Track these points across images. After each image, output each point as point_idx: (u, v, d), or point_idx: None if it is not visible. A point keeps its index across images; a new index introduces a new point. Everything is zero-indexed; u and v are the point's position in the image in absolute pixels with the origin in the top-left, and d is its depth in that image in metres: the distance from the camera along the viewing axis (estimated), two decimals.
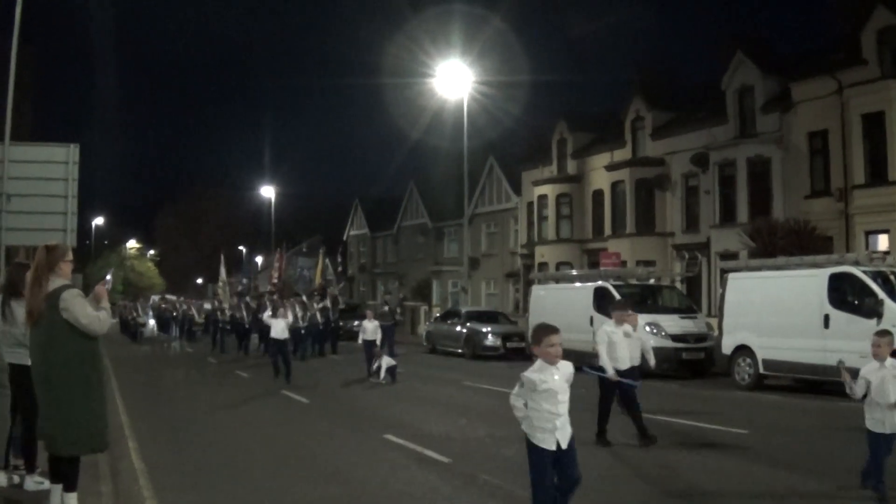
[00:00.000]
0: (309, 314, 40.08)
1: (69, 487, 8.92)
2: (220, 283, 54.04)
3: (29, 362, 9.18)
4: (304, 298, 44.11)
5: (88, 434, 8.87)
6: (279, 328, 27.71)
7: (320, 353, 39.84)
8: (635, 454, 14.33)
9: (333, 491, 11.43)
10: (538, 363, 8.14)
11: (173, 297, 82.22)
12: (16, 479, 10.21)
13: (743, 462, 13.29)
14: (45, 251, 8.89)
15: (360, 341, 30.12)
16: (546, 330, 8.28)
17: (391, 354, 29.03)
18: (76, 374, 8.81)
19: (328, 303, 42.69)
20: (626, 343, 16.10)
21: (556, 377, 8.17)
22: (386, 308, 39.88)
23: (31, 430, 9.67)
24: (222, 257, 59.90)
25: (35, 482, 9.94)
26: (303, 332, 38.71)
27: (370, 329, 29.63)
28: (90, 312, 8.85)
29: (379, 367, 27.25)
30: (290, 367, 26.86)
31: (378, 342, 28.97)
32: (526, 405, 8.39)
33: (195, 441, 15.68)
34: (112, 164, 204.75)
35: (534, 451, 8.30)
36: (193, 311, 57.97)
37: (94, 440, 8.96)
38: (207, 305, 62.72)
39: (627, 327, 16.26)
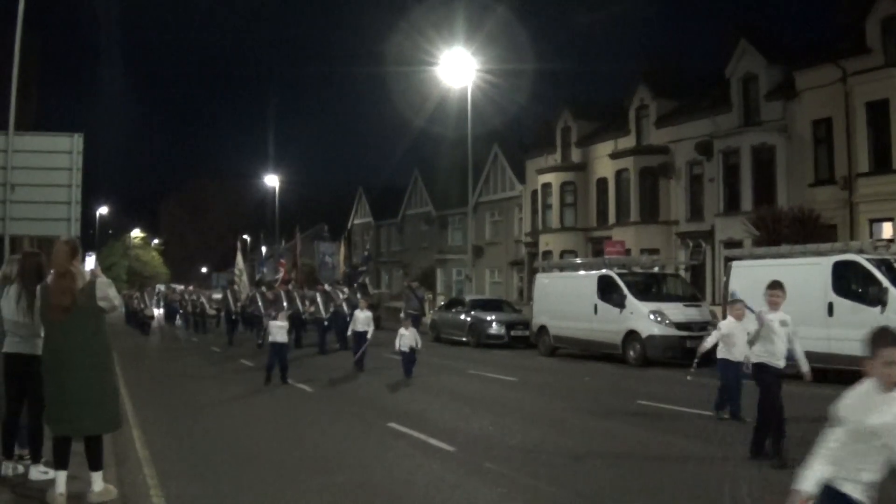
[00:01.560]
0: (333, 304, 36.51)
1: (96, 466, 9.39)
2: (237, 272, 50.34)
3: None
4: (328, 287, 40.03)
5: (114, 413, 9.58)
6: (278, 330, 23.73)
7: (345, 347, 33.70)
8: (638, 442, 14.34)
9: (338, 479, 11.45)
10: (866, 385, 5.62)
11: (180, 287, 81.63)
12: (20, 468, 10.26)
13: (746, 450, 13.29)
14: (66, 245, 9.26)
15: (349, 332, 27.97)
16: (889, 337, 5.57)
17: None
18: (106, 359, 9.52)
19: (356, 292, 38.32)
20: (783, 333, 13.56)
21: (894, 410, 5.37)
22: (413, 296, 38.94)
23: (38, 420, 9.83)
24: (239, 244, 57.60)
25: (40, 472, 9.99)
26: (326, 323, 36.07)
27: (361, 319, 27.12)
28: (111, 288, 9.50)
29: (361, 358, 26.59)
30: (286, 370, 23.50)
31: (370, 335, 26.78)
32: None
33: (200, 430, 15.70)
34: (117, 154, 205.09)
35: (833, 498, 5.63)
36: (204, 301, 55.48)
37: (117, 419, 9.69)
38: (217, 295, 61.20)
39: (783, 315, 13.62)
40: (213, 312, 54.18)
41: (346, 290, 38.97)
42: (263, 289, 42.58)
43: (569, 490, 10.85)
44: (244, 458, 12.96)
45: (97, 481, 9.27)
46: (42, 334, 9.65)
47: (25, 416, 10.07)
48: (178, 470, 11.96)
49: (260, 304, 39.56)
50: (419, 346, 25.27)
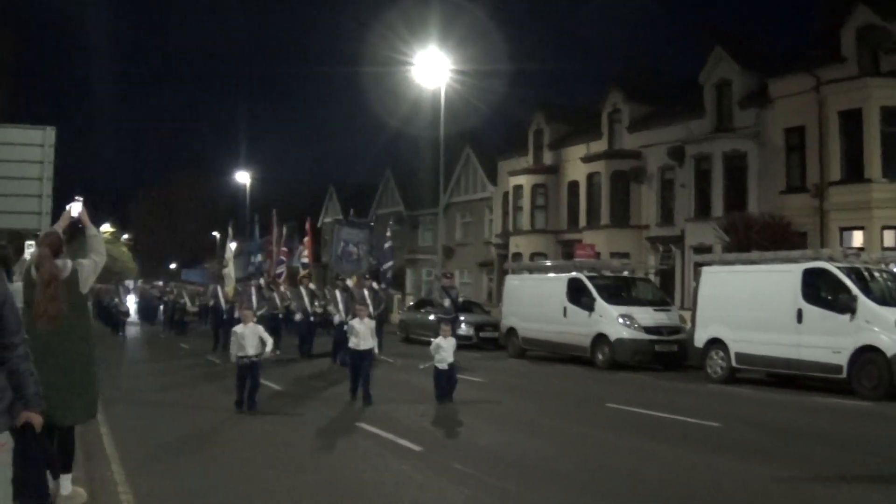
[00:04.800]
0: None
1: (67, 468, 9.23)
2: (226, 260, 42.40)
3: None
4: (349, 283, 32.28)
5: (94, 401, 9.47)
6: (250, 340, 17.93)
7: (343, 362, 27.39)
8: (607, 445, 14.34)
9: (306, 478, 11.43)
10: None
11: (159, 283, 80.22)
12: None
13: (714, 455, 13.32)
14: (48, 248, 9.06)
15: (350, 346, 20.03)
16: None
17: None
18: (89, 345, 9.42)
19: (379, 289, 32.40)
20: None
21: None
22: (447, 296, 31.08)
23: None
24: (230, 231, 50.09)
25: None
26: (346, 327, 25.35)
27: (362, 331, 19.59)
28: (99, 256, 9.65)
29: (360, 389, 19.42)
30: (256, 390, 18.19)
31: (378, 348, 20.74)
32: None
33: (167, 428, 15.62)
34: (88, 148, 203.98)
35: None
36: (186, 299, 51.81)
37: (95, 406, 9.55)
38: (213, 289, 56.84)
39: None
40: (194, 310, 51.74)
41: (374, 285, 32.21)
42: (261, 282, 36.22)
43: (537, 492, 10.85)
44: (213, 456, 12.92)
45: (65, 485, 9.08)
46: None
47: None
48: (147, 467, 11.90)
49: (254, 301, 31.08)
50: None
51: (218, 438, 14.58)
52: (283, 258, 45.79)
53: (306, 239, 47.07)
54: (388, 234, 40.55)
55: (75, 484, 9.44)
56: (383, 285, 35.79)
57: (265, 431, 15.40)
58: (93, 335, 9.60)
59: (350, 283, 32.20)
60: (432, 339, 18.70)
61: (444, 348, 19.32)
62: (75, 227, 9.87)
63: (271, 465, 12.31)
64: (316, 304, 34.48)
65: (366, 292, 28.67)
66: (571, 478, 11.68)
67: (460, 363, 21.02)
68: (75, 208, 10.12)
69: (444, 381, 19.36)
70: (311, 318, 33.61)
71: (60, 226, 9.89)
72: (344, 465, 12.36)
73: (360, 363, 19.45)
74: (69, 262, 9.14)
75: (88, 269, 9.27)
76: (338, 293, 30.11)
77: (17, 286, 9.50)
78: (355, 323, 19.89)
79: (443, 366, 19.29)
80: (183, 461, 12.53)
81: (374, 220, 59.82)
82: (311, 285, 37.31)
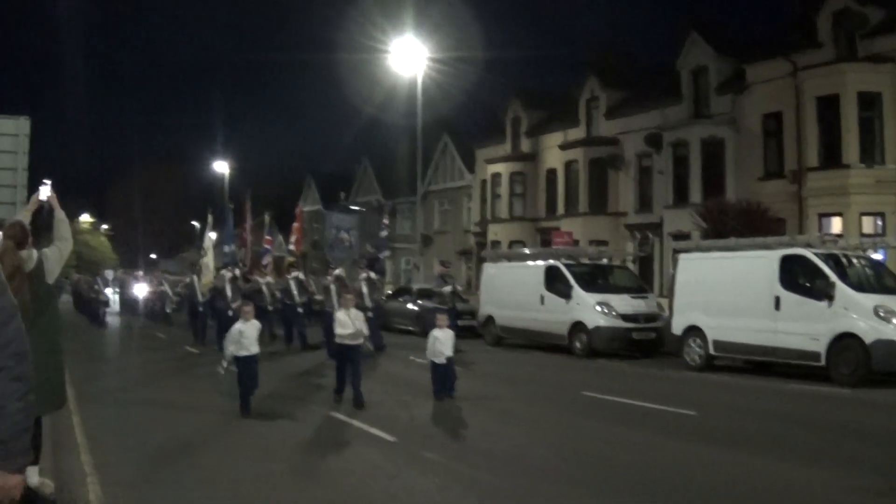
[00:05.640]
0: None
1: (35, 459, 8.92)
2: (203, 250, 39.54)
3: None
4: (341, 272, 29.75)
5: (62, 391, 9.29)
6: (250, 338, 16.04)
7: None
8: (582, 434, 14.25)
9: (276, 468, 11.32)
10: None
11: (139, 273, 79.51)
12: None
13: (691, 442, 13.24)
14: (10, 239, 8.72)
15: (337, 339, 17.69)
16: None
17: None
18: (57, 337, 9.21)
19: (377, 279, 30.41)
20: None
21: None
22: (446, 286, 30.10)
23: None
24: (209, 220, 45.74)
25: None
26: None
27: (347, 322, 17.18)
28: (64, 243, 9.44)
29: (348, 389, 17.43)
30: (252, 391, 16.18)
31: (372, 342, 19.72)
32: None
33: (139, 416, 15.57)
34: (64, 137, 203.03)
35: None
36: (166, 288, 50.08)
37: (63, 396, 9.39)
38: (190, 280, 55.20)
39: None
40: (175, 300, 49.01)
41: (372, 274, 30.17)
42: (235, 272, 32.87)
43: (507, 480, 10.78)
44: (182, 445, 12.85)
45: (33, 476, 8.94)
46: None
47: None
48: (116, 457, 11.89)
49: (229, 293, 29.38)
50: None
51: (187, 427, 14.44)
52: (267, 247, 44.65)
53: (295, 225, 45.92)
54: (386, 221, 38.31)
55: (43, 475, 9.31)
56: (379, 276, 33.18)
57: (235, 420, 15.28)
58: (61, 325, 9.46)
59: (340, 271, 30.12)
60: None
61: (441, 341, 17.81)
62: (42, 211, 9.69)
63: (240, 454, 12.27)
64: (306, 294, 32.60)
65: (363, 282, 27.81)
66: (543, 466, 11.61)
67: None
68: (44, 192, 9.97)
69: (441, 375, 17.93)
70: (300, 309, 31.87)
71: (30, 209, 9.72)
72: (315, 454, 12.35)
73: (348, 359, 17.40)
74: (34, 253, 8.95)
75: (54, 258, 9.11)
76: (331, 284, 27.58)
77: None
78: (340, 314, 17.54)
79: (440, 360, 17.80)
80: (151, 448, 12.48)
81: (361, 208, 59.50)
82: (300, 274, 34.69)
